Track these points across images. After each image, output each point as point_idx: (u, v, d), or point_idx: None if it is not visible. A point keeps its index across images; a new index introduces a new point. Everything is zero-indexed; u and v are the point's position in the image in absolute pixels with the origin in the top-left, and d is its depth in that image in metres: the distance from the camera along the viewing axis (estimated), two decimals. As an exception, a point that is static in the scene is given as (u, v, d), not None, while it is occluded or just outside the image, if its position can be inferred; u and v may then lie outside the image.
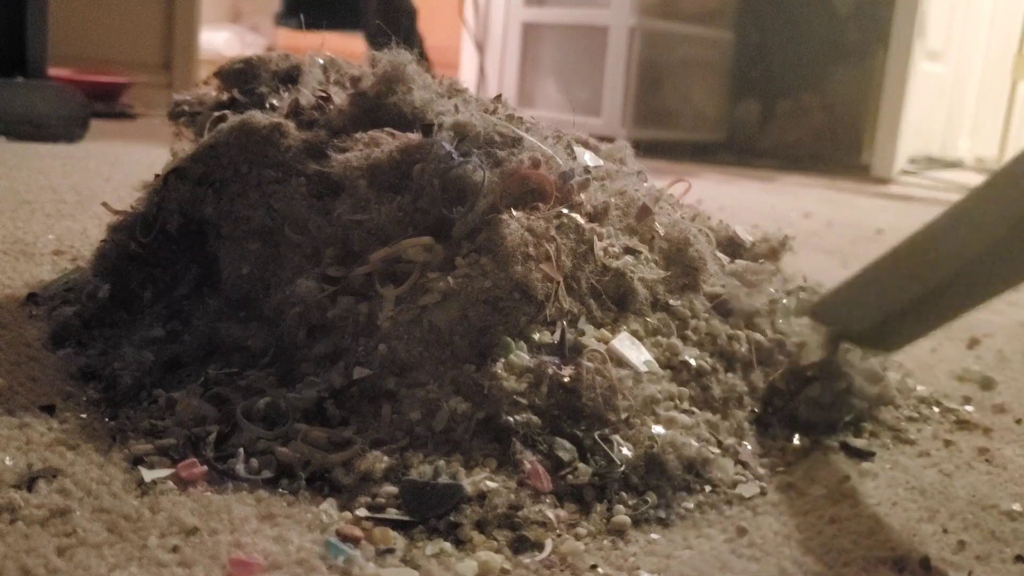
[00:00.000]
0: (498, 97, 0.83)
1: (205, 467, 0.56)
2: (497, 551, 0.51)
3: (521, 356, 0.62)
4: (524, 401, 0.60)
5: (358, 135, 0.75)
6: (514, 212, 0.67)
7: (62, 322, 0.78)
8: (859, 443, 0.70)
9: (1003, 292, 0.68)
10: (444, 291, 0.64)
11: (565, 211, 0.70)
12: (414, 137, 0.73)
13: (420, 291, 0.65)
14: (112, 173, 1.69)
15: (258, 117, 0.77)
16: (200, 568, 0.47)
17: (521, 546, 0.52)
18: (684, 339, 0.71)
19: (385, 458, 0.57)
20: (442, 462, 0.57)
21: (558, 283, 0.66)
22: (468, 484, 0.55)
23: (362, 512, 0.53)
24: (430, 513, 0.53)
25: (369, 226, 0.70)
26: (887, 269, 0.70)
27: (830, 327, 0.74)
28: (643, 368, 0.65)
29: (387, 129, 0.75)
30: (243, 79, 0.89)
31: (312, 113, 0.80)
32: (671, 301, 0.73)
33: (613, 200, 0.74)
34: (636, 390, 0.63)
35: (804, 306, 0.80)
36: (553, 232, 0.67)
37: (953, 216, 0.65)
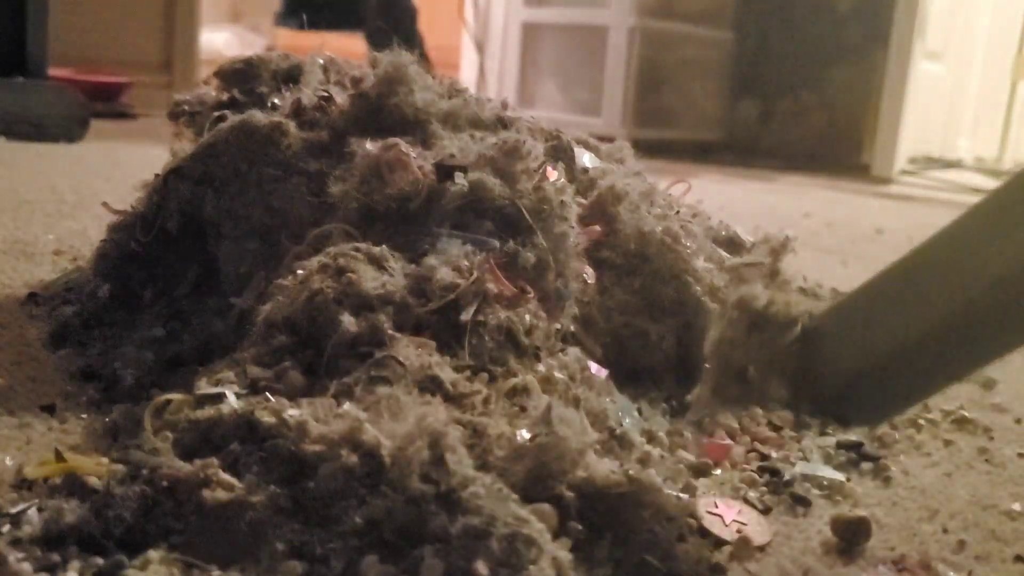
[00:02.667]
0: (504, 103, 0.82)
1: (205, 467, 0.56)
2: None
3: None
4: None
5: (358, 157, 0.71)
6: None
7: (62, 322, 0.78)
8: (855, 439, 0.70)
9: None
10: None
11: None
12: (422, 174, 0.68)
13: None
14: (112, 173, 1.69)
15: (258, 116, 0.77)
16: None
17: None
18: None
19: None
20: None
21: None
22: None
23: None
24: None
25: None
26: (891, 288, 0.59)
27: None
28: None
29: (393, 139, 0.72)
30: (243, 79, 0.89)
31: (314, 114, 0.79)
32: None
33: None
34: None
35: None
36: None
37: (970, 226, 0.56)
